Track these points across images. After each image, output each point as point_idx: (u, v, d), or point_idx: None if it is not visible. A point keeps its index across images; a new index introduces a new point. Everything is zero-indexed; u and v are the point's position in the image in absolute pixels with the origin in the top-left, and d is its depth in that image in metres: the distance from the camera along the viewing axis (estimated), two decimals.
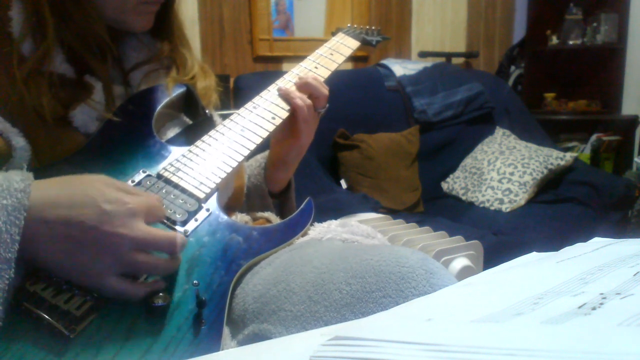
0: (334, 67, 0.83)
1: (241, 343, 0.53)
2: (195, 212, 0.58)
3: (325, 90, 0.78)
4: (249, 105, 0.73)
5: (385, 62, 2.44)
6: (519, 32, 3.16)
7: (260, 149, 0.71)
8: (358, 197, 1.76)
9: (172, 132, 0.72)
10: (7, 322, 0.44)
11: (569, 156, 2.17)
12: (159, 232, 0.49)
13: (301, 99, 0.75)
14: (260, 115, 0.72)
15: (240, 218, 0.72)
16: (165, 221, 0.55)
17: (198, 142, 0.66)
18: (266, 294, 0.54)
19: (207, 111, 0.75)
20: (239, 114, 0.71)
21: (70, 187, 0.48)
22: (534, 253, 0.48)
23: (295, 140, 0.79)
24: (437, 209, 2.06)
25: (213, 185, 0.61)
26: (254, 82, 1.95)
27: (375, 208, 1.67)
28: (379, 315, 0.41)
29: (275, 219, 0.76)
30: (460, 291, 0.41)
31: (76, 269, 0.47)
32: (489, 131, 2.36)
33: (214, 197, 0.61)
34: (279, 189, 0.84)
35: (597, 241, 0.46)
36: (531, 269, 0.42)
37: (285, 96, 0.75)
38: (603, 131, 2.91)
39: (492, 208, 2.02)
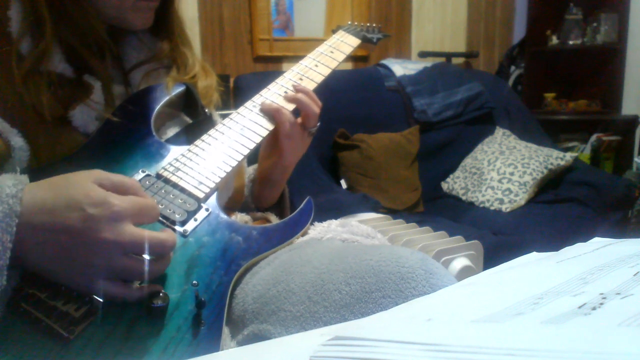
0: (334, 65, 0.83)
1: (241, 343, 0.53)
2: (195, 211, 0.57)
3: (316, 109, 0.73)
4: (249, 104, 0.73)
5: (385, 62, 2.44)
6: (519, 32, 3.16)
7: (255, 154, 0.70)
8: (358, 197, 1.75)
9: (171, 132, 0.71)
10: (6, 323, 0.44)
11: (569, 156, 2.17)
12: (147, 234, 0.46)
13: (285, 115, 0.71)
14: (261, 114, 0.72)
15: (240, 218, 0.72)
16: (164, 221, 0.55)
17: (198, 142, 0.66)
18: (266, 294, 0.54)
19: (206, 110, 0.75)
20: (239, 113, 0.71)
21: (58, 189, 0.46)
22: (534, 253, 0.47)
23: (280, 158, 0.75)
24: (437, 209, 2.06)
25: (212, 185, 0.61)
26: (254, 82, 1.95)
27: (375, 208, 1.67)
28: (379, 315, 0.41)
29: (275, 219, 0.76)
30: (460, 291, 0.40)
31: (65, 275, 0.46)
32: (489, 131, 2.36)
33: (214, 197, 0.61)
34: (266, 205, 0.82)
35: (597, 241, 0.46)
36: (531, 269, 0.42)
37: (267, 111, 0.71)
38: (603, 131, 2.90)
39: (492, 208, 2.01)
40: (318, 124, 0.75)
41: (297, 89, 0.74)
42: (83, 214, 0.44)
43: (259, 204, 0.82)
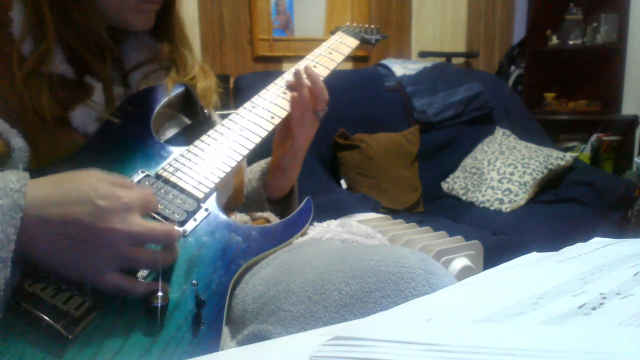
0: (333, 66, 0.83)
1: (241, 343, 0.53)
2: (194, 212, 0.57)
3: (326, 94, 0.76)
4: (247, 104, 0.73)
5: (385, 62, 2.44)
6: (519, 32, 3.16)
7: (259, 149, 0.70)
8: (358, 197, 1.75)
9: (171, 132, 0.71)
10: (6, 322, 0.44)
11: (569, 156, 2.17)
12: (155, 225, 0.49)
13: (300, 102, 0.74)
14: (259, 115, 0.72)
15: (240, 218, 0.72)
16: (164, 221, 0.55)
17: (197, 142, 0.66)
18: (265, 294, 0.54)
19: (205, 111, 0.75)
20: (237, 114, 0.71)
21: (64, 184, 0.48)
22: (534, 253, 0.47)
23: (290, 142, 0.77)
24: (437, 209, 2.06)
25: (212, 185, 0.61)
26: (254, 82, 1.95)
27: (375, 208, 1.67)
28: (379, 315, 0.41)
29: (275, 219, 0.76)
30: (461, 291, 0.40)
31: (74, 267, 0.47)
32: (489, 131, 2.36)
33: (213, 197, 0.61)
34: (279, 195, 0.83)
35: (597, 241, 0.46)
36: (531, 269, 0.42)
37: (296, 81, 0.74)
38: (603, 131, 2.90)
39: (492, 208, 2.01)
40: (326, 109, 0.77)
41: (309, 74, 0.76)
42: (93, 206, 0.46)
43: (271, 193, 0.83)
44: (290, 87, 0.76)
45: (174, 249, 0.52)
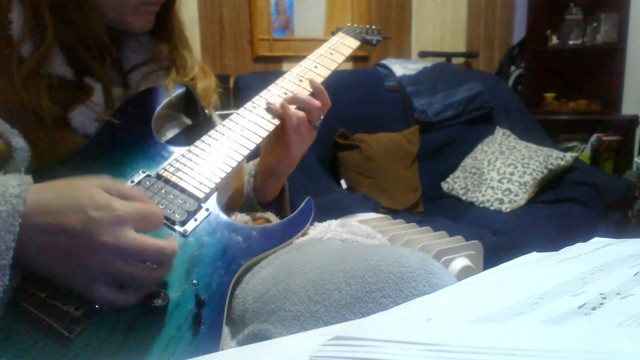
0: (334, 66, 0.83)
1: (241, 343, 0.53)
2: (195, 212, 0.58)
3: (316, 103, 0.73)
4: (248, 105, 0.73)
5: (385, 62, 2.44)
6: (519, 32, 3.16)
7: (254, 152, 0.70)
8: (358, 197, 1.75)
9: (171, 133, 0.71)
10: (7, 322, 0.44)
11: (569, 156, 2.17)
12: (147, 241, 0.46)
13: (290, 109, 0.71)
14: (260, 115, 0.72)
15: (240, 218, 0.72)
16: (165, 221, 0.55)
17: (197, 142, 0.66)
18: (266, 294, 0.54)
19: (206, 111, 0.75)
20: (238, 114, 0.71)
21: (65, 192, 0.46)
22: (534, 253, 0.48)
23: (286, 152, 0.75)
24: (437, 209, 2.06)
25: (212, 185, 0.61)
26: (254, 82, 1.95)
27: (375, 208, 1.67)
28: (379, 315, 0.41)
29: (275, 219, 0.76)
30: (461, 291, 0.40)
31: (65, 277, 0.46)
32: (489, 131, 2.36)
33: (214, 197, 0.61)
34: (269, 198, 0.82)
35: (597, 241, 0.46)
36: (531, 269, 0.42)
37: (272, 110, 0.72)
38: (603, 131, 2.90)
39: (492, 208, 2.01)
40: (321, 117, 0.75)
41: (312, 85, 0.75)
42: (85, 216, 0.44)
43: (262, 197, 0.82)
44: (272, 110, 0.73)
45: (167, 266, 0.49)
